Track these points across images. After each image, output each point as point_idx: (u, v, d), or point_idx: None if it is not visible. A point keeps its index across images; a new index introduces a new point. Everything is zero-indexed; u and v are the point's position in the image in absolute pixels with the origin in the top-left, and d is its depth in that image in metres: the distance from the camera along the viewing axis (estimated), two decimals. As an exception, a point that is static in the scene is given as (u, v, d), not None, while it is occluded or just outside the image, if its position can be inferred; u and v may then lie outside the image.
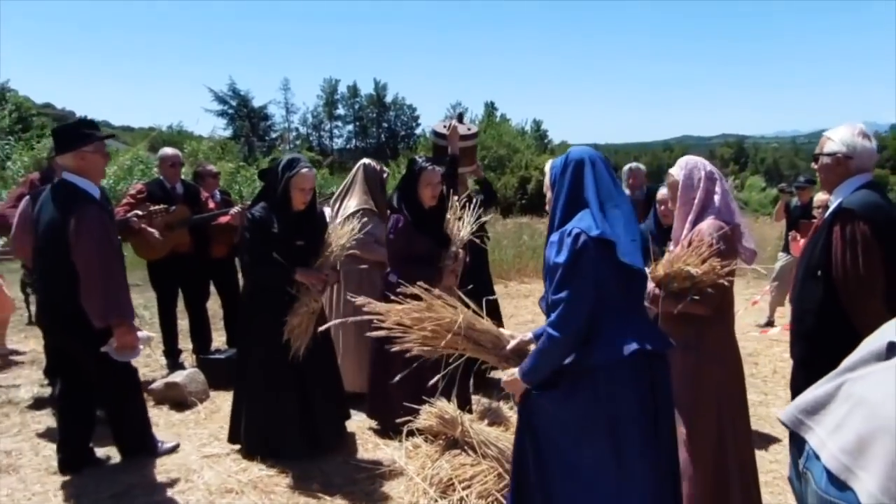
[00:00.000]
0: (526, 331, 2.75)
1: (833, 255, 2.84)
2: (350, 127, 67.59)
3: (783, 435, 4.32)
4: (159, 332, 5.95)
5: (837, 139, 3.01)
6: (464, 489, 3.43)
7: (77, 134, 3.71)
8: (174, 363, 6.01)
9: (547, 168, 2.65)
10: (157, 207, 5.50)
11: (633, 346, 2.35)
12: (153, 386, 5.11)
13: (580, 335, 2.36)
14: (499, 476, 3.51)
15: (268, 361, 3.97)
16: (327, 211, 4.98)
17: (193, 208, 5.83)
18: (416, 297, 2.79)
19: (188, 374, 5.19)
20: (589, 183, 2.47)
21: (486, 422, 3.90)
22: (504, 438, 3.68)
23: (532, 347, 2.64)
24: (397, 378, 3.32)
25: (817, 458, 1.32)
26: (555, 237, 2.45)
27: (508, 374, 2.61)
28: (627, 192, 6.85)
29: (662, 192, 4.66)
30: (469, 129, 5.39)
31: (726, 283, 3.04)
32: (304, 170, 3.90)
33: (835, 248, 2.84)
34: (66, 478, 3.75)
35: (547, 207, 2.63)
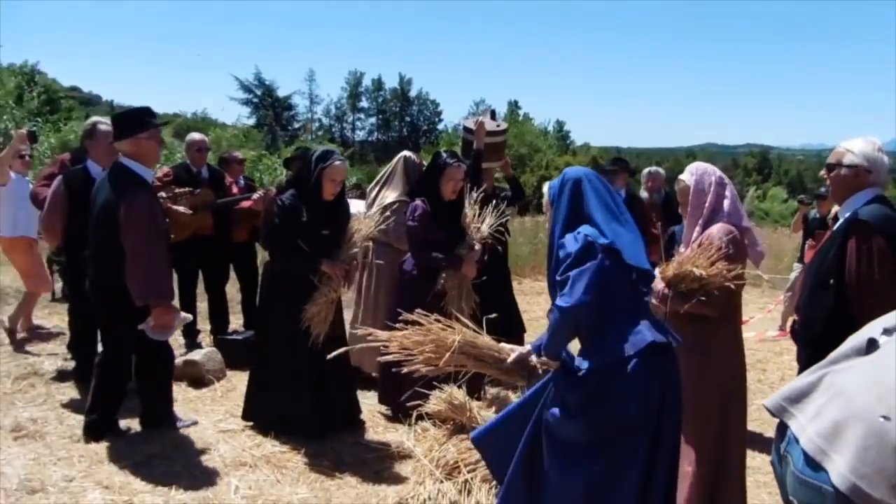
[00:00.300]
0: (538, 326, 2.87)
1: (847, 265, 2.90)
2: (372, 120, 67.89)
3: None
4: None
5: (858, 152, 3.06)
6: (469, 472, 3.53)
7: (134, 121, 3.93)
8: (192, 342, 6.18)
9: (545, 189, 2.80)
10: (182, 189, 5.66)
11: (647, 337, 2.47)
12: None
13: (589, 309, 2.46)
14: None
15: (286, 344, 4.11)
16: (354, 203, 5.10)
17: (217, 192, 5.99)
18: (417, 323, 2.97)
19: (206, 352, 5.35)
20: (590, 199, 2.65)
21: (493, 409, 4.00)
22: (510, 427, 3.78)
23: (532, 359, 2.81)
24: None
25: (797, 441, 1.41)
26: (562, 240, 2.59)
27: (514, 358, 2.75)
28: (645, 194, 6.93)
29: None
30: (498, 126, 5.48)
31: (733, 287, 3.13)
32: (337, 162, 4.06)
33: (849, 258, 2.90)
34: (90, 445, 3.91)
35: (546, 226, 2.79)
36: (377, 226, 4.36)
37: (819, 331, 3.05)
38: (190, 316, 4.75)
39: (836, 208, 6.42)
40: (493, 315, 3.37)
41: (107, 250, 3.77)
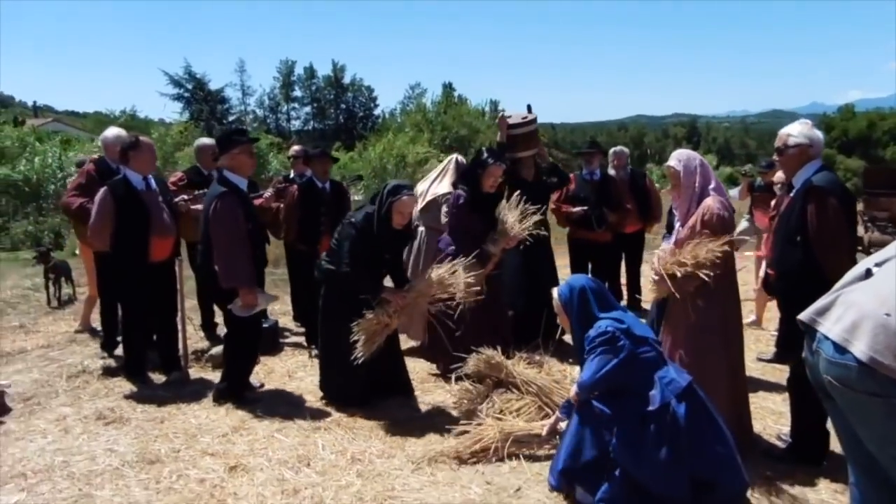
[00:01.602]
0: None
1: (809, 223, 3.68)
2: (307, 109, 67.33)
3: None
4: (197, 307, 6.57)
5: (798, 133, 3.89)
6: (514, 417, 4.22)
7: (229, 140, 4.91)
8: (211, 335, 6.66)
9: (555, 295, 3.75)
10: (201, 191, 6.09)
11: (657, 399, 3.34)
12: (212, 352, 5.78)
13: (596, 385, 3.45)
14: (539, 408, 4.31)
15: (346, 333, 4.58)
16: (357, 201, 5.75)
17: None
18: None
19: (241, 341, 5.84)
20: (592, 299, 3.61)
21: (523, 365, 4.68)
22: (540, 378, 4.47)
23: (562, 425, 3.80)
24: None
25: (826, 338, 2.12)
26: (589, 332, 3.51)
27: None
28: (612, 172, 7.65)
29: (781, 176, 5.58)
30: (524, 118, 6.09)
31: (720, 255, 3.86)
32: (406, 197, 4.54)
33: (810, 217, 3.69)
34: (177, 423, 4.45)
35: (564, 325, 3.83)
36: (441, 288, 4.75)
37: (793, 281, 3.84)
38: (275, 297, 5.34)
39: (778, 175, 7.32)
40: None
41: (205, 240, 4.68)
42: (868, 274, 2.14)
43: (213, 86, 55.63)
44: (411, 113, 52.31)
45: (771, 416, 4.62)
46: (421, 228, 5.83)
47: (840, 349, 2.05)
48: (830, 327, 2.11)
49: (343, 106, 67.53)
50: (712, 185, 4.04)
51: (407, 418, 4.49)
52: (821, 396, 2.31)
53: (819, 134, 3.88)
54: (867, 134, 54.67)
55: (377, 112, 65.07)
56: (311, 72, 66.87)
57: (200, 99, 55.05)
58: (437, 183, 5.95)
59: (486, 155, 5.25)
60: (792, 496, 3.52)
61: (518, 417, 4.22)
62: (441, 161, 6.66)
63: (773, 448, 4.11)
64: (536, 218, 5.28)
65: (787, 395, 4.85)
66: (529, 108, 6.27)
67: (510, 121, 6.02)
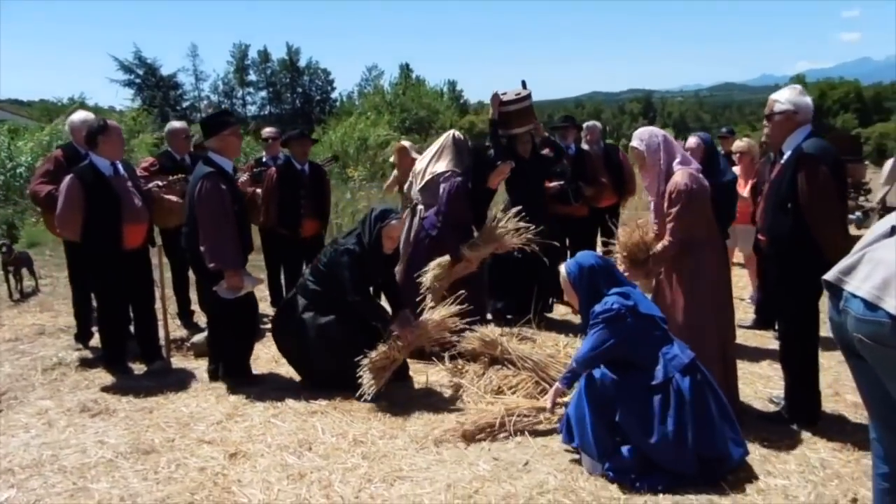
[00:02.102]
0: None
1: (800, 190, 3.71)
2: (263, 93, 66.28)
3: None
4: (174, 295, 6.41)
5: (784, 99, 3.90)
6: (512, 393, 4.20)
7: (218, 122, 4.85)
8: (188, 323, 6.52)
9: (563, 272, 3.70)
10: (175, 177, 5.91)
11: (661, 375, 3.37)
12: (194, 340, 5.64)
13: (594, 360, 3.50)
14: (536, 383, 4.31)
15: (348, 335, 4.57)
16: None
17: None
18: None
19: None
20: (601, 280, 3.57)
21: (516, 341, 4.66)
22: (535, 353, 4.46)
23: (564, 398, 3.85)
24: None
25: (854, 297, 2.13)
26: (595, 307, 3.51)
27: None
28: (586, 147, 7.65)
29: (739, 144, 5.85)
30: (517, 94, 6.03)
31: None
32: (394, 222, 4.62)
33: (801, 185, 3.72)
34: (167, 412, 4.32)
35: (571, 301, 3.80)
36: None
37: (784, 246, 3.89)
38: (261, 279, 5.21)
39: (737, 144, 7.40)
40: None
41: (191, 222, 4.65)
42: (893, 231, 2.15)
43: (164, 71, 54.54)
44: (369, 95, 51.88)
45: (760, 381, 4.70)
46: (420, 206, 5.80)
47: (871, 306, 2.06)
48: (859, 285, 2.12)
49: (299, 90, 66.69)
50: (678, 160, 4.04)
51: (404, 399, 4.43)
52: (846, 355, 2.33)
53: (807, 100, 3.89)
54: (819, 103, 56.12)
55: (334, 95, 64.39)
56: (265, 55, 65.83)
57: (152, 85, 53.81)
58: (434, 161, 5.89)
59: (494, 154, 5.28)
60: (792, 457, 3.57)
61: (516, 393, 4.21)
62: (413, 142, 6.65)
63: (768, 412, 4.17)
64: (527, 236, 5.26)
65: (771, 359, 4.96)
66: (524, 84, 6.22)
67: (503, 98, 5.98)
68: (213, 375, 4.94)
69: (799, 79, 60.44)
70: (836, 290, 2.23)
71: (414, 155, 6.93)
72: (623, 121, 65.24)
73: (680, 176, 3.95)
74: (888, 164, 9.45)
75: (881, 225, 2.22)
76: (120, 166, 5.07)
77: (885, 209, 9.40)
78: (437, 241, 5.29)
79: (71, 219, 4.91)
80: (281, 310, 4.99)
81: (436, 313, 4.62)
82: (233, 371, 4.87)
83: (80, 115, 5.80)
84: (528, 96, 6.08)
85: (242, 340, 4.93)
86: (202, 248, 4.57)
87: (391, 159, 7.29)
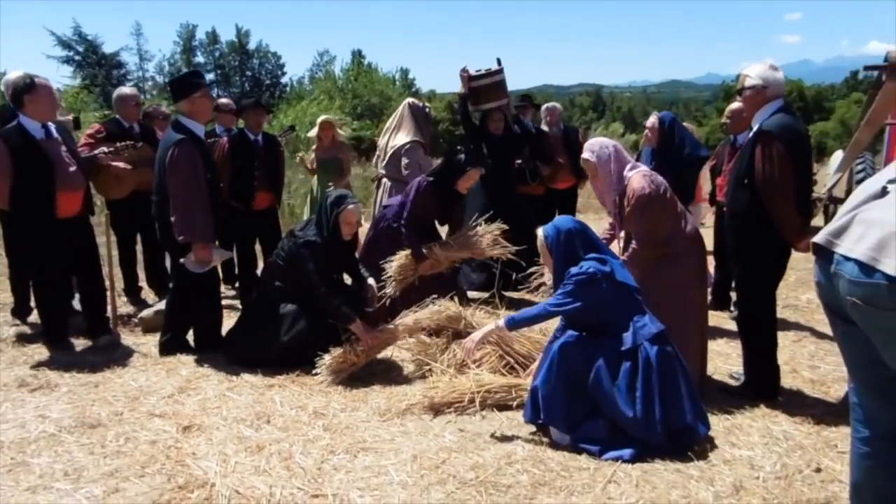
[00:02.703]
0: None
1: (756, 167, 3.73)
2: (211, 76, 64.49)
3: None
4: (120, 270, 6.14)
5: (755, 74, 3.90)
6: (476, 367, 4.12)
7: (189, 84, 4.61)
8: (136, 300, 6.25)
9: (541, 235, 3.63)
10: (123, 144, 5.64)
11: (630, 341, 3.35)
12: (142, 315, 5.40)
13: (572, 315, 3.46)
14: (500, 357, 4.23)
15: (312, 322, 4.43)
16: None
17: (153, 147, 5.99)
18: None
19: (173, 302, 5.47)
20: (577, 241, 3.53)
21: (481, 315, 4.58)
22: (499, 328, 4.38)
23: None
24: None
25: (846, 259, 2.08)
26: (571, 268, 3.44)
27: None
28: (545, 128, 7.63)
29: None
30: (489, 70, 5.93)
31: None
32: (351, 206, 4.45)
33: (757, 162, 3.73)
34: (115, 385, 4.11)
35: (546, 265, 3.78)
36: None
37: (742, 220, 3.90)
38: (230, 253, 5.04)
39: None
40: None
41: (160, 191, 4.44)
42: (884, 192, 2.11)
43: (106, 49, 52.52)
44: (321, 80, 51.18)
45: (719, 358, 4.72)
46: (385, 181, 5.69)
47: (867, 268, 2.01)
48: (852, 247, 2.07)
49: (249, 73, 65.22)
50: (629, 167, 4.03)
51: (365, 374, 4.29)
52: (833, 321, 2.28)
53: (778, 75, 3.89)
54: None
55: (285, 80, 63.25)
56: (213, 37, 64.15)
57: (93, 63, 51.84)
58: (394, 135, 5.86)
59: (464, 158, 5.20)
60: (755, 429, 3.58)
61: (481, 367, 4.13)
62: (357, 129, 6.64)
63: (729, 386, 4.19)
64: (503, 251, 5.14)
65: (729, 338, 5.01)
66: (498, 62, 6.14)
67: (473, 73, 5.88)
68: (164, 349, 4.73)
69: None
70: (825, 254, 2.18)
71: (339, 131, 6.91)
72: (573, 113, 65.93)
73: (636, 181, 3.92)
74: (836, 155, 9.75)
75: (870, 185, 2.18)
76: (53, 129, 4.73)
77: (831, 199, 9.67)
78: (398, 234, 5.16)
79: (1, 186, 4.58)
80: (242, 317, 4.83)
81: (409, 318, 4.47)
82: (208, 342, 4.75)
83: (15, 74, 5.45)
84: (501, 71, 6.00)
85: (212, 311, 4.81)
86: (172, 219, 4.37)
87: (310, 133, 7.10)
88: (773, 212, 3.73)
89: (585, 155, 4.07)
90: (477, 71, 5.95)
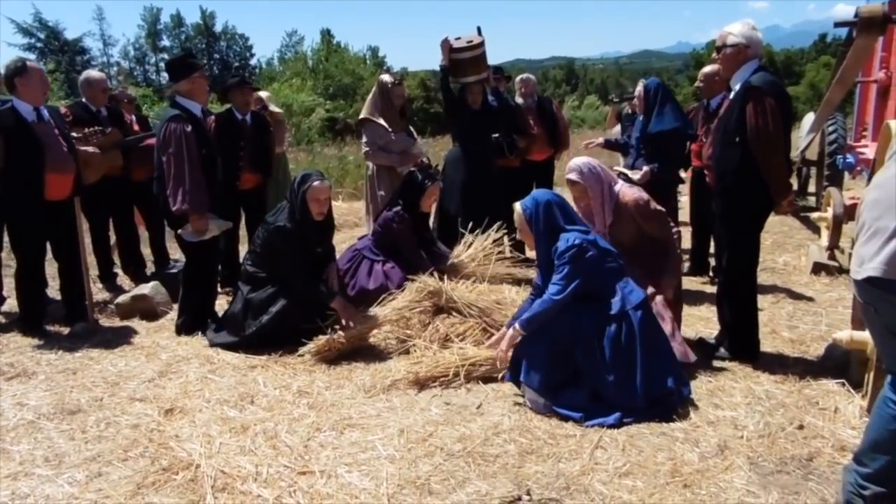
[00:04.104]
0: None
1: (748, 123, 3.70)
2: (179, 59, 63.39)
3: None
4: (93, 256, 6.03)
5: (738, 33, 3.87)
6: (460, 340, 4.11)
7: (185, 65, 4.74)
8: (111, 286, 6.15)
9: (519, 209, 3.60)
10: (92, 129, 5.50)
11: (617, 307, 3.38)
12: (119, 300, 5.30)
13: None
14: (483, 330, 4.23)
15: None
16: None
17: (121, 131, 5.87)
18: None
19: (152, 286, 5.39)
20: (557, 213, 3.51)
21: (462, 289, 4.57)
22: (481, 300, 4.38)
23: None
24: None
25: None
26: (557, 244, 3.44)
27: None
28: (520, 100, 7.58)
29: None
30: (469, 42, 5.80)
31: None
32: (316, 182, 4.39)
33: (749, 118, 3.70)
34: (93, 372, 4.04)
35: (526, 241, 3.75)
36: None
37: (731, 181, 3.89)
38: (229, 223, 5.04)
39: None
40: None
41: (160, 167, 4.55)
42: None
43: (68, 35, 51.43)
44: (291, 61, 50.52)
45: (700, 322, 4.76)
46: (369, 164, 5.87)
47: None
48: None
49: (217, 56, 64.26)
50: (616, 181, 4.06)
51: (348, 351, 4.24)
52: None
53: (758, 35, 3.87)
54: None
55: (254, 62, 62.41)
56: (178, 20, 63.07)
57: (56, 49, 50.77)
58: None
59: (420, 177, 5.23)
60: (738, 390, 3.62)
61: (464, 341, 4.12)
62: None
63: (710, 349, 4.20)
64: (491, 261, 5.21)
65: (709, 302, 5.04)
66: (479, 31, 6.05)
67: (455, 44, 5.78)
68: (181, 329, 4.79)
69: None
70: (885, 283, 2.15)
71: (272, 106, 7.01)
72: (547, 87, 65.83)
73: (628, 194, 3.96)
74: (807, 117, 9.77)
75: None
76: (45, 112, 4.74)
77: (804, 162, 9.76)
78: (374, 263, 5.18)
79: None
80: (227, 312, 4.74)
81: (399, 301, 4.43)
82: (201, 321, 4.80)
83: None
84: (482, 44, 5.90)
85: (208, 290, 4.94)
86: (167, 192, 4.48)
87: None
88: (765, 168, 3.70)
89: (572, 177, 4.02)
90: (457, 39, 5.84)
